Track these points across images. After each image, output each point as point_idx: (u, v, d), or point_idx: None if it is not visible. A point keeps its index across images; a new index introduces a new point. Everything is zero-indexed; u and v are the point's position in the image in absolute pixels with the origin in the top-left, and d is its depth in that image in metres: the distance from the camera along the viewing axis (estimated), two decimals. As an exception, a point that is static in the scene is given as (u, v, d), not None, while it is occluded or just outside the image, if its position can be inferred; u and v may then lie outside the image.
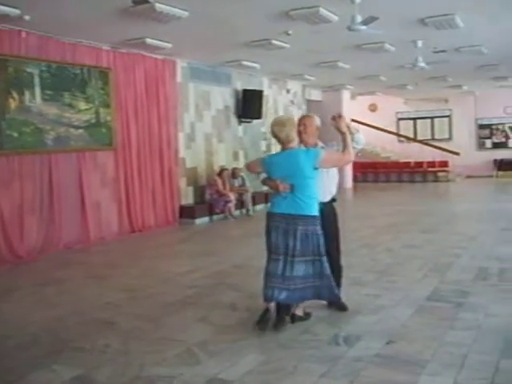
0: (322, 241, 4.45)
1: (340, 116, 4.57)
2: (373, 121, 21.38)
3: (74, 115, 8.96)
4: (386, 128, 21.47)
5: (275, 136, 4.49)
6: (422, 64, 10.84)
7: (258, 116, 13.13)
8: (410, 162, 20.62)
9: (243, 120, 13.05)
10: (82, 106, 9.10)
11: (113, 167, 9.80)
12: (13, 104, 8.01)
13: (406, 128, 22.40)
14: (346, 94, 18.13)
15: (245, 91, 12.86)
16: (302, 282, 4.44)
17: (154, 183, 10.64)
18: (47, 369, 3.95)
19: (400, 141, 22.29)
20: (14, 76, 8.01)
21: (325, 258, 4.46)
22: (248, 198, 12.05)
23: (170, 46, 9.34)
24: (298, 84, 15.81)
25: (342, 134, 4.49)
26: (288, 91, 15.33)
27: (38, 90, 8.36)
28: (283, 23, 7.94)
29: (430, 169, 20.10)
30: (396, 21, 8.15)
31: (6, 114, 7.91)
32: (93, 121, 9.31)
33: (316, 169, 4.40)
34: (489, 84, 17.10)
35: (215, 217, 11.53)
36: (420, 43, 9.79)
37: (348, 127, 4.57)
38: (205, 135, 11.99)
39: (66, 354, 4.22)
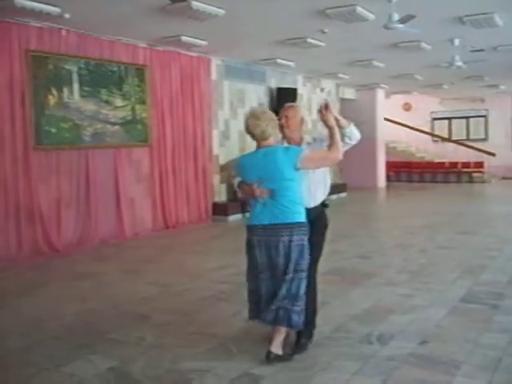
0: (307, 253, 3.86)
1: (327, 107, 3.90)
2: (407, 120, 21.18)
3: (110, 112, 9.09)
4: (420, 128, 21.23)
5: (249, 132, 3.84)
6: (459, 63, 10.71)
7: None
8: (444, 163, 20.34)
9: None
10: (119, 102, 9.24)
11: (148, 164, 9.92)
12: (52, 100, 8.18)
13: (441, 128, 22.13)
14: (380, 93, 17.99)
15: (279, 89, 12.87)
16: (300, 305, 3.84)
17: (188, 180, 10.73)
18: (83, 359, 4.04)
19: (434, 141, 22.01)
20: (54, 73, 8.18)
21: (305, 275, 3.85)
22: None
23: (205, 43, 9.41)
24: (332, 83, 15.75)
25: (330, 128, 3.85)
26: (322, 90, 15.29)
27: (76, 87, 8.52)
28: (319, 21, 7.93)
29: (464, 169, 19.79)
30: (433, 19, 8.06)
31: (46, 110, 8.08)
32: (129, 117, 9.44)
33: (298, 169, 3.78)
34: (527, 84, 16.78)
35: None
36: (457, 42, 9.66)
37: (337, 120, 3.94)
38: (239, 133, 12.03)
39: (102, 346, 4.31)
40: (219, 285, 6.13)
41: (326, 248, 4.29)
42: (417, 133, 21.10)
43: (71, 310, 5.31)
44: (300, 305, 3.82)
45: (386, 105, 19.03)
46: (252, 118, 3.83)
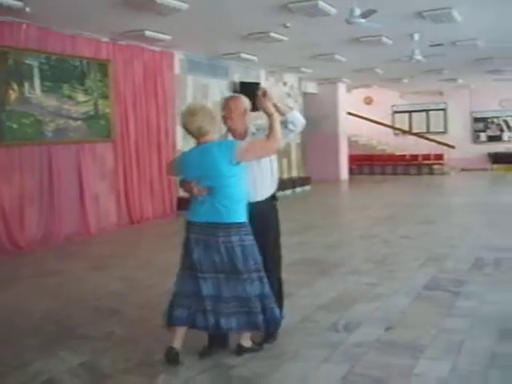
0: (256, 253, 3.70)
1: (265, 94, 3.79)
2: (368, 114, 21.46)
3: (73, 107, 8.99)
4: (381, 121, 21.56)
5: (185, 128, 3.70)
6: (419, 57, 10.91)
7: (255, 108, 13.15)
8: (405, 155, 20.71)
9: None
10: (81, 97, 9.14)
11: (112, 159, 9.85)
12: (13, 95, 8.04)
13: (402, 121, 22.49)
14: (341, 87, 18.20)
15: (242, 83, 12.90)
16: (235, 306, 3.67)
17: (152, 175, 10.69)
18: (53, 355, 4.01)
19: (395, 134, 22.37)
20: (14, 68, 8.05)
21: (264, 275, 3.72)
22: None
23: (169, 38, 9.38)
24: (294, 77, 15.85)
25: (269, 115, 3.71)
26: (284, 84, 15.38)
27: (37, 82, 8.39)
28: (282, 16, 7.99)
29: (425, 162, 20.18)
30: (394, 14, 8.21)
31: (6, 106, 7.95)
32: (91, 113, 9.35)
33: (236, 164, 3.61)
34: (484, 77, 17.17)
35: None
36: (417, 36, 9.85)
37: (276, 107, 3.81)
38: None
39: (71, 342, 4.29)
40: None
41: (292, 239, 4.37)
42: (378, 126, 21.42)
43: (38, 307, 5.26)
44: (266, 303, 3.70)
45: (348, 99, 19.27)
46: (187, 114, 3.70)
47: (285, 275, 5.39)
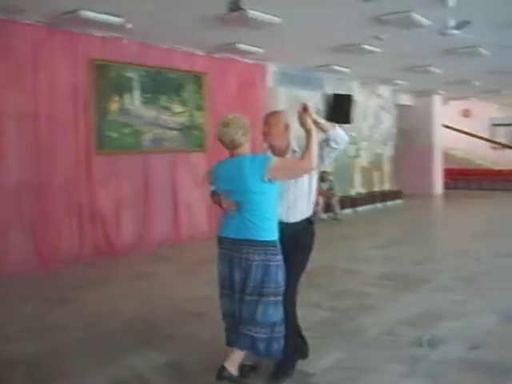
0: (280, 276, 3.45)
1: (305, 109, 3.56)
2: (466, 126, 20.77)
3: (169, 117, 9.38)
4: (479, 134, 20.80)
5: (219, 140, 3.52)
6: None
7: (347, 120, 13.13)
8: (503, 170, 19.84)
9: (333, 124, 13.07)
10: (177, 108, 9.52)
11: (204, 168, 10.13)
12: (113, 106, 8.52)
13: (501, 134, 21.59)
14: (437, 99, 17.75)
15: (335, 95, 12.92)
16: (263, 332, 3.44)
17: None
18: (141, 353, 4.24)
19: (494, 148, 21.50)
20: (116, 80, 8.53)
21: (277, 300, 3.46)
22: (336, 201, 12.12)
23: (261, 51, 9.58)
24: (388, 89, 15.66)
25: (307, 132, 3.48)
26: (378, 96, 15.22)
27: (137, 94, 8.85)
28: (374, 28, 7.96)
29: (525, 177, 19.24)
30: (490, 24, 7.97)
31: (108, 116, 8.42)
32: (187, 123, 9.71)
33: (268, 181, 3.37)
34: None
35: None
36: (517, 47, 9.50)
37: (316, 123, 3.57)
38: (295, 138, 12.13)
39: (158, 341, 4.50)
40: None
41: (378, 253, 4.34)
42: (475, 139, 20.67)
43: (130, 307, 5.54)
44: (267, 332, 3.43)
45: (444, 111, 18.75)
46: (221, 125, 3.51)
47: (369, 288, 5.41)
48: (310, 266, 7.13)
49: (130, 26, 7.62)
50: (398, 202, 15.17)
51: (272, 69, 11.46)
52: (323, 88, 12.92)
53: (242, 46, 9.26)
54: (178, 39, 8.84)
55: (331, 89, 13.07)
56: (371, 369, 3.84)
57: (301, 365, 3.88)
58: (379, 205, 14.22)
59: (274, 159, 3.45)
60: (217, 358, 4.04)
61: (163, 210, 9.31)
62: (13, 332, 4.83)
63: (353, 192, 14.23)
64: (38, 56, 7.50)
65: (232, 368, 3.46)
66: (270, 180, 3.37)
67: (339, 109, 12.85)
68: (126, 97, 8.71)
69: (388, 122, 15.69)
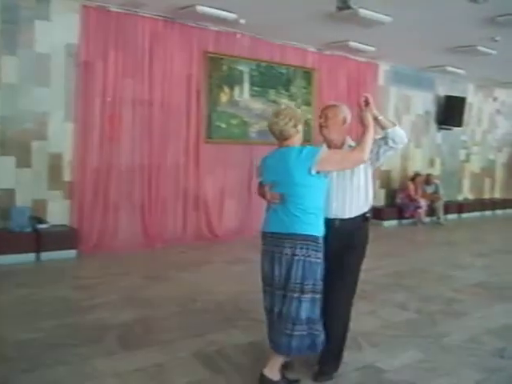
0: (319, 273, 3.35)
1: (367, 102, 3.50)
2: None
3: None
4: None
5: (270, 130, 3.42)
6: None
7: (459, 124, 12.76)
8: None
9: (443, 127, 12.75)
10: (286, 102, 9.68)
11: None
12: (224, 98, 8.87)
13: None
14: None
15: (447, 97, 12.57)
16: (300, 329, 3.32)
17: (347, 182, 10.92)
18: (226, 332, 4.48)
19: None
20: (227, 73, 8.87)
21: (319, 298, 3.37)
22: (440, 205, 11.81)
23: (372, 49, 9.55)
24: (506, 92, 14.96)
25: (365, 126, 3.43)
26: (495, 99, 14.60)
27: (246, 87, 9.15)
28: (489, 29, 7.71)
29: None
30: None
31: (218, 107, 8.79)
32: (294, 118, 9.87)
33: (316, 173, 3.26)
34: None
35: (404, 221, 11.49)
36: None
37: (376, 119, 3.52)
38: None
39: (245, 323, 4.72)
40: (362, 284, 6.19)
41: (477, 261, 4.25)
42: None
43: (223, 289, 5.83)
44: (300, 329, 3.31)
45: None
46: (272, 115, 3.43)
47: (460, 295, 5.34)
48: (401, 268, 7.16)
49: (243, 21, 7.91)
50: (509, 211, 14.48)
51: (384, 67, 11.36)
52: (435, 89, 12.59)
53: (354, 44, 9.29)
54: (289, 35, 9.03)
55: (444, 90, 12.72)
56: (446, 372, 3.82)
57: (375, 361, 3.96)
58: (488, 213, 13.69)
59: (323, 150, 3.33)
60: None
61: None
62: (112, 301, 5.25)
63: (460, 197, 13.78)
64: (155, 47, 7.99)
65: (271, 373, 3.41)
66: (318, 172, 3.26)
67: (451, 111, 12.51)
68: (236, 89, 9.03)
69: (504, 127, 14.99)
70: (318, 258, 3.32)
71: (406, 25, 7.78)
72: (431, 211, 11.81)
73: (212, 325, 4.64)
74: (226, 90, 8.90)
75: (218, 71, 8.74)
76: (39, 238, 6.87)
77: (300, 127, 3.39)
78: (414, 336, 4.56)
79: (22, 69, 6.98)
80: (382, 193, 11.79)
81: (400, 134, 3.55)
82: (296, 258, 3.27)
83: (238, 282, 6.15)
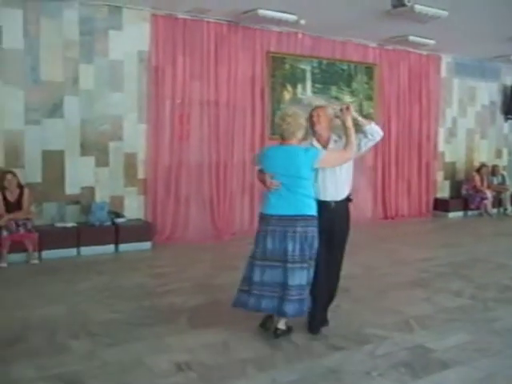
0: (315, 244, 4.13)
1: (348, 108, 4.21)
2: None
3: (339, 107, 9.84)
4: None
5: (278, 128, 4.25)
6: None
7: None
8: None
9: (510, 117, 12.60)
10: (347, 98, 9.96)
11: (371, 156, 10.49)
12: (287, 96, 9.25)
13: None
14: None
15: (513, 87, 12.43)
16: (304, 293, 4.12)
17: (410, 175, 11.06)
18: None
19: None
20: (290, 71, 9.24)
21: (313, 264, 4.17)
22: (507, 196, 11.73)
23: (432, 42, 9.63)
24: None
25: (347, 128, 4.14)
26: None
27: (308, 84, 9.49)
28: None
29: None
30: None
31: (281, 105, 9.15)
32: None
33: (314, 170, 4.11)
34: None
35: (470, 212, 11.48)
36: None
37: (356, 120, 4.24)
38: (467, 131, 11.96)
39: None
40: (420, 273, 6.52)
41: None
42: None
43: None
44: (304, 294, 4.10)
45: None
46: (280, 116, 4.27)
47: None
48: (461, 258, 7.31)
49: (303, 22, 8.24)
50: None
51: (446, 59, 11.37)
52: (501, 79, 12.42)
53: (414, 38, 9.42)
54: (350, 32, 9.28)
55: (511, 80, 12.55)
56: (493, 353, 4.03)
57: (424, 341, 4.22)
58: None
59: (323, 152, 4.16)
60: (351, 326, 4.55)
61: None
62: (183, 287, 5.73)
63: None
64: (220, 50, 8.46)
65: (283, 326, 4.23)
66: (315, 168, 4.12)
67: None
68: (299, 87, 9.38)
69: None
70: (315, 231, 4.14)
71: (463, 17, 7.88)
72: (498, 202, 11.74)
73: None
74: (289, 88, 9.27)
75: (281, 70, 9.12)
76: (117, 231, 7.48)
77: (299, 134, 4.17)
78: (466, 320, 4.77)
79: (98, 76, 7.62)
80: (447, 184, 11.82)
81: (376, 129, 4.32)
82: (308, 234, 4.09)
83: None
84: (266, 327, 4.35)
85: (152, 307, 5.07)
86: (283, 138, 4.20)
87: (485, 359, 3.93)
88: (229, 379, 3.55)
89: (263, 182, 4.23)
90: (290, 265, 4.06)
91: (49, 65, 7.29)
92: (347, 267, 6.57)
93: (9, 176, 6.75)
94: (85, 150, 7.63)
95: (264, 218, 4.22)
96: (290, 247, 4.06)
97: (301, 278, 4.07)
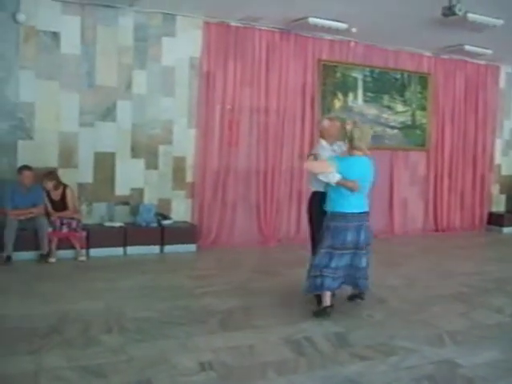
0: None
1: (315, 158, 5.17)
2: None
3: (391, 116, 9.79)
4: None
5: (358, 141, 4.93)
6: None
7: None
8: None
9: None
10: (400, 108, 9.87)
11: (423, 167, 10.34)
12: (337, 104, 9.24)
13: None
14: None
15: None
16: (365, 273, 5.26)
17: (464, 187, 10.81)
18: (317, 322, 4.87)
19: None
20: (341, 80, 9.23)
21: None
22: None
23: (489, 52, 9.41)
24: None
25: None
26: None
27: (360, 93, 9.44)
28: None
29: None
30: None
31: (331, 113, 9.14)
32: (408, 122, 10.00)
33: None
34: None
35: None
36: None
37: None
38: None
39: (334, 315, 5.03)
40: (464, 287, 6.38)
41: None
42: None
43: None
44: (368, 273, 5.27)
45: None
46: (366, 134, 5.06)
47: None
48: (508, 274, 7.09)
49: (354, 30, 8.23)
50: None
51: (506, 70, 11.06)
52: None
53: (470, 48, 9.23)
54: (403, 41, 9.20)
55: None
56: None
57: (454, 357, 4.15)
58: None
59: None
60: (380, 336, 4.52)
61: (380, 204, 9.65)
62: (221, 290, 5.83)
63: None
64: (272, 58, 8.55)
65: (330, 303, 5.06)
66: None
67: None
68: (350, 95, 9.35)
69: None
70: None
71: (520, 27, 7.68)
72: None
73: (307, 315, 5.03)
74: (340, 96, 9.25)
75: (332, 78, 9.12)
76: (163, 233, 7.66)
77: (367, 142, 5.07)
78: (502, 338, 4.66)
79: (150, 81, 7.85)
80: (503, 198, 11.47)
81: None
82: (369, 226, 5.15)
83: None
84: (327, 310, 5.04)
85: (186, 307, 5.18)
86: (354, 148, 4.97)
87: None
88: (247, 381, 3.61)
89: (351, 187, 4.86)
90: (360, 251, 5.06)
91: (103, 70, 7.57)
92: (388, 278, 6.60)
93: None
94: (135, 152, 7.86)
95: (343, 215, 4.94)
96: (362, 237, 5.00)
97: (367, 260, 5.19)
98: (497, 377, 3.85)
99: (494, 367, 4.01)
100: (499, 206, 11.42)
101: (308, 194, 5.65)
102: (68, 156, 7.48)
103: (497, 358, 4.19)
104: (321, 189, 5.17)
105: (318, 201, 5.22)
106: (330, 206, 5.02)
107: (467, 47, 9.18)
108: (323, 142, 5.39)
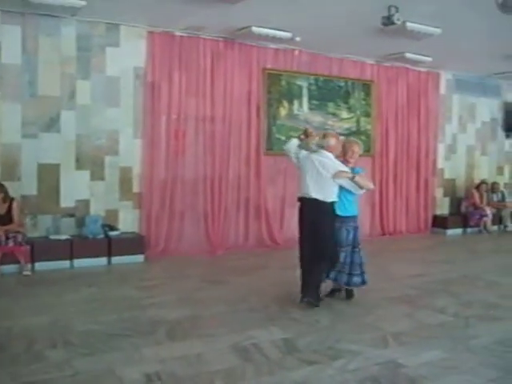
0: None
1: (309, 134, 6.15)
2: None
3: (336, 123, 9.95)
4: None
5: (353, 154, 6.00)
6: None
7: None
8: None
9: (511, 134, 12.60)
10: (344, 115, 10.05)
11: (369, 172, 10.52)
12: (283, 112, 9.34)
13: None
14: None
15: (515, 104, 12.42)
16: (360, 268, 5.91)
17: (409, 191, 11.07)
18: (265, 328, 4.90)
19: None
20: (286, 88, 9.34)
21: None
22: (507, 213, 11.70)
23: (429, 59, 9.70)
24: None
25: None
26: None
27: (305, 100, 9.58)
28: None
29: None
30: None
31: (277, 121, 9.26)
32: (353, 129, 10.19)
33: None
34: None
35: (469, 229, 11.46)
36: None
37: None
38: (467, 147, 11.97)
39: (283, 322, 5.11)
40: (409, 289, 6.53)
41: None
42: None
43: (273, 291, 6.25)
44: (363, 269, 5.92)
45: None
46: (358, 145, 6.14)
47: (504, 301, 5.82)
48: (451, 275, 7.31)
49: (298, 39, 8.35)
50: None
51: (446, 76, 11.42)
52: (502, 96, 12.42)
53: (410, 55, 9.49)
54: (346, 49, 9.39)
55: (512, 96, 12.57)
56: (463, 371, 4.03)
57: (397, 357, 4.24)
58: None
59: None
60: (327, 341, 4.58)
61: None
62: (169, 300, 5.80)
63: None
64: (217, 67, 8.59)
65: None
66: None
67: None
68: (295, 103, 9.47)
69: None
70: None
71: (457, 35, 7.95)
72: (499, 219, 11.71)
73: (254, 322, 5.06)
74: (285, 104, 9.36)
75: (277, 86, 9.22)
76: (110, 244, 7.57)
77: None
78: (444, 337, 4.78)
79: (95, 91, 7.77)
80: (447, 201, 11.81)
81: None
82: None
83: (289, 285, 6.41)
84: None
85: (133, 319, 5.13)
86: (349, 159, 5.94)
87: (454, 376, 3.94)
88: (194, 391, 3.60)
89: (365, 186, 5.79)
90: (355, 249, 5.81)
91: (46, 80, 7.45)
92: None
93: None
94: (80, 163, 7.75)
95: (343, 218, 5.72)
96: (350, 237, 5.75)
97: (360, 257, 5.86)
98: (438, 375, 3.95)
99: (436, 366, 4.11)
100: (443, 209, 11.75)
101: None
102: (10, 168, 7.32)
103: (439, 357, 4.30)
104: (334, 199, 5.63)
105: (332, 210, 5.63)
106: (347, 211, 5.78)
107: (408, 55, 9.44)
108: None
